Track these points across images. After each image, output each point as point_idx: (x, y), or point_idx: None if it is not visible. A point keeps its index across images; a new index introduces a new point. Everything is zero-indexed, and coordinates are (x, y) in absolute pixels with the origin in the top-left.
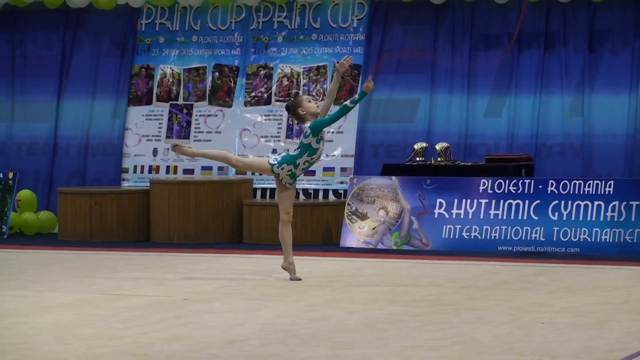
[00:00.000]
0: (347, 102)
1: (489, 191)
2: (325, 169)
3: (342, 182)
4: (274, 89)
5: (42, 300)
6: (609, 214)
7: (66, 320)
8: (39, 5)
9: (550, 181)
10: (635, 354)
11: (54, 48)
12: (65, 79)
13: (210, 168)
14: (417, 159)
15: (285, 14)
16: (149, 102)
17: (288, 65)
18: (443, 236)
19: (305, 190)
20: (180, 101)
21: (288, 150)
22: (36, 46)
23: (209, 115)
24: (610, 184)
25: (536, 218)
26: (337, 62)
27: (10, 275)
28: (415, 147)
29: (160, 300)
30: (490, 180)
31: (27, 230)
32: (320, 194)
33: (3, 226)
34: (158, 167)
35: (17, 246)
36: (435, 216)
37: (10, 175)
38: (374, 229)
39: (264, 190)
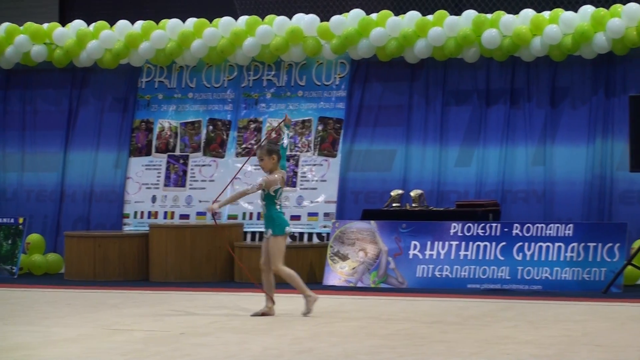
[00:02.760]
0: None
1: (459, 234)
2: (310, 214)
3: (325, 226)
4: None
5: (50, 334)
6: (568, 254)
7: (71, 353)
8: (48, 65)
9: (515, 225)
10: None
11: (61, 104)
12: (72, 132)
13: (204, 214)
14: (394, 204)
15: (273, 73)
16: (149, 153)
17: (276, 119)
18: (417, 275)
19: (291, 234)
20: (177, 152)
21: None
22: (45, 102)
23: (204, 165)
24: (570, 227)
25: (502, 258)
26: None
27: (21, 312)
28: (392, 194)
29: (158, 335)
30: (460, 224)
31: (36, 270)
32: (305, 237)
33: (14, 267)
34: (156, 212)
35: (26, 285)
36: (410, 257)
37: (21, 220)
38: (354, 268)
39: (253, 233)
